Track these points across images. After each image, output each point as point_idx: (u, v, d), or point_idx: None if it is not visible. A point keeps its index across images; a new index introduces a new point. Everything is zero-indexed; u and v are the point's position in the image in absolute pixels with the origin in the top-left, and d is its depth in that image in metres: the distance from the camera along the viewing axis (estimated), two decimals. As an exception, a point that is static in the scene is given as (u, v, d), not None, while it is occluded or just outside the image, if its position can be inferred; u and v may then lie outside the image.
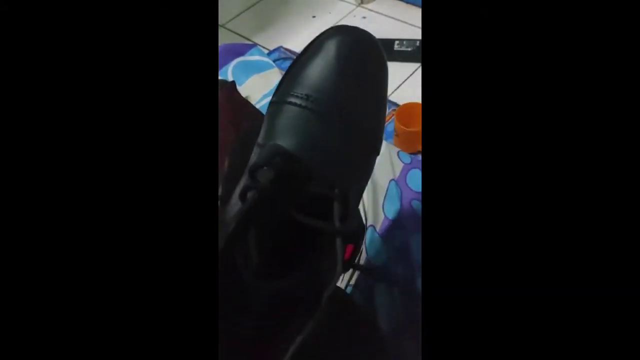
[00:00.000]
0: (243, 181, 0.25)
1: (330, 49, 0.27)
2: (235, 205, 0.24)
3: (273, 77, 0.60)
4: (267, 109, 0.29)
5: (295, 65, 0.28)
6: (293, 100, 0.27)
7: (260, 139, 0.28)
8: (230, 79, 0.59)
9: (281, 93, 0.28)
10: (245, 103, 0.52)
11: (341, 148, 0.26)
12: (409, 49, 0.68)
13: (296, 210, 0.23)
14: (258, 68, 0.61)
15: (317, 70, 0.27)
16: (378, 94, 0.29)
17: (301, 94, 0.27)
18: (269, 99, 0.56)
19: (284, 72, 0.64)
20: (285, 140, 0.25)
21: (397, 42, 0.69)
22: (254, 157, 0.27)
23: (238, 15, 0.91)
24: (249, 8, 0.92)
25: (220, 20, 0.91)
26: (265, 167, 0.23)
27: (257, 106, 0.55)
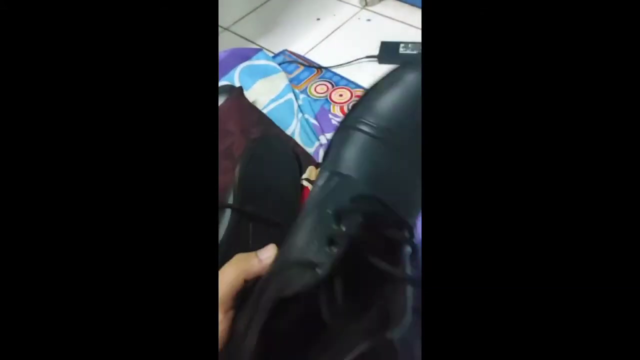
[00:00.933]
0: (325, 222, 0.24)
1: (410, 80, 0.26)
2: (311, 245, 0.23)
3: (279, 81, 0.60)
4: (336, 132, 0.28)
5: (372, 92, 0.28)
6: (364, 128, 0.26)
7: (327, 164, 0.27)
8: (237, 83, 0.59)
9: (353, 118, 0.27)
10: (253, 109, 0.52)
11: (409, 182, 0.25)
12: (415, 52, 0.68)
13: (373, 253, 0.23)
14: (264, 72, 0.61)
15: (391, 100, 0.26)
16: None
17: (373, 122, 0.26)
18: (276, 103, 0.57)
19: (290, 75, 0.63)
20: (358, 173, 0.25)
21: (402, 45, 0.69)
22: (323, 185, 0.26)
23: (242, 18, 0.91)
24: (253, 11, 0.92)
25: (224, 23, 0.91)
26: (351, 211, 0.23)
27: (265, 111, 0.55)
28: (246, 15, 0.91)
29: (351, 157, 0.26)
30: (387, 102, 0.26)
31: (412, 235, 0.24)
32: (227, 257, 0.35)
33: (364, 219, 0.22)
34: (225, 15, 0.91)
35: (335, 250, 0.22)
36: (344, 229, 0.22)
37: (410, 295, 0.21)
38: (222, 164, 0.43)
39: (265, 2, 0.93)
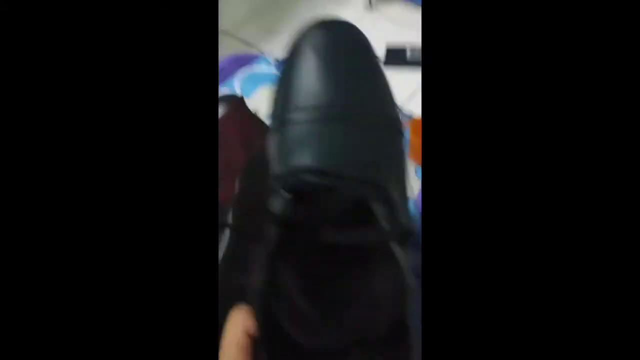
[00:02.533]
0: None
1: (309, 51, 0.24)
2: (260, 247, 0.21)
3: (282, 88, 0.58)
4: (269, 139, 0.26)
5: (280, 81, 0.26)
6: (293, 117, 0.24)
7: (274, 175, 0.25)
8: (238, 91, 0.57)
9: (277, 115, 0.25)
10: (254, 119, 0.50)
11: (363, 144, 0.23)
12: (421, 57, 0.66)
13: (333, 230, 0.19)
14: (266, 79, 0.59)
15: (305, 77, 0.24)
16: (378, 78, 0.26)
17: (302, 105, 0.24)
18: (278, 111, 0.55)
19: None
20: (298, 161, 0.22)
21: (409, 49, 0.67)
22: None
23: (243, 21, 0.89)
24: (253, 15, 0.90)
25: (226, 27, 0.89)
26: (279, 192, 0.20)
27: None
28: (247, 19, 0.90)
29: (289, 152, 0.23)
30: (301, 81, 0.24)
31: (382, 189, 0.20)
32: (226, 280, 0.34)
33: (294, 195, 0.19)
34: (226, 18, 0.89)
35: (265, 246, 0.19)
36: (271, 215, 0.19)
37: (401, 254, 0.18)
38: (222, 179, 0.41)
39: (267, 6, 0.91)
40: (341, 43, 0.25)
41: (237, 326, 0.22)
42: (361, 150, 0.23)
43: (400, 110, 0.27)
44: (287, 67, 0.25)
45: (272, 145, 0.25)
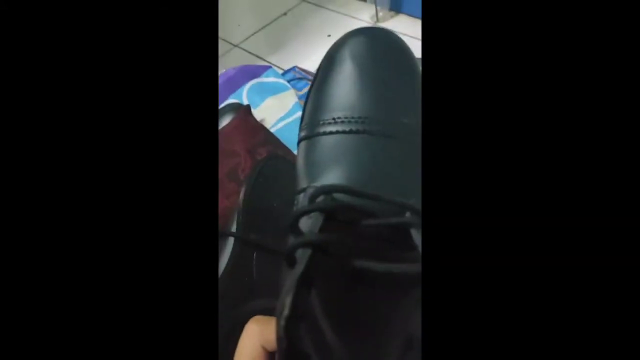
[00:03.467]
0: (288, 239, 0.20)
1: (346, 58, 0.22)
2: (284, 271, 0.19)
3: (289, 99, 0.58)
4: (297, 149, 0.24)
5: (314, 89, 0.23)
6: (327, 129, 0.21)
7: (298, 186, 0.23)
8: (245, 101, 0.57)
9: (309, 125, 0.23)
10: (260, 128, 0.50)
11: (403, 163, 0.20)
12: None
13: (366, 255, 0.17)
14: (273, 90, 0.60)
15: (342, 86, 0.22)
16: (413, 86, 0.23)
17: (334, 118, 0.21)
18: (285, 121, 0.55)
19: (299, 92, 0.62)
20: (331, 177, 0.20)
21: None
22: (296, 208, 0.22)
23: (252, 34, 0.90)
24: (263, 27, 0.92)
25: (235, 40, 0.90)
26: (309, 214, 0.18)
27: (273, 130, 0.53)
28: (257, 32, 0.91)
29: (322, 165, 0.21)
30: (337, 90, 0.22)
31: (420, 214, 0.18)
32: (229, 290, 0.33)
33: (327, 217, 0.17)
34: (236, 32, 0.91)
35: (295, 270, 0.16)
36: (302, 237, 0.17)
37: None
38: (227, 186, 0.41)
39: (275, 19, 0.93)
40: (382, 51, 0.22)
41: (254, 338, 0.20)
42: (401, 169, 0.20)
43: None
44: (323, 74, 0.23)
45: (300, 155, 0.23)
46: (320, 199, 0.18)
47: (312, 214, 0.18)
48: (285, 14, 0.93)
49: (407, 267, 0.16)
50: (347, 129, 0.21)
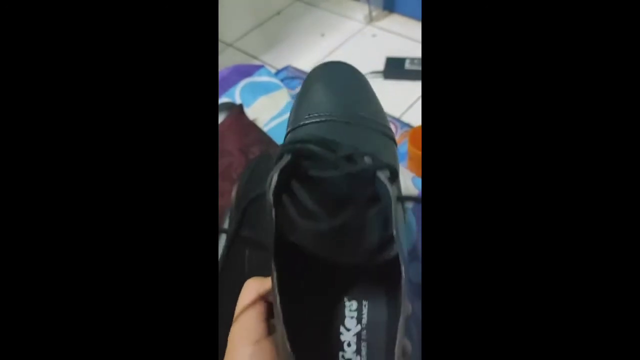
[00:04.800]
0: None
1: (317, 80, 0.31)
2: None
3: (281, 98, 0.58)
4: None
5: (295, 103, 0.31)
6: (307, 121, 0.28)
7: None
8: (238, 101, 0.58)
9: (292, 124, 0.29)
10: (253, 127, 0.50)
11: (363, 141, 0.27)
12: (421, 68, 0.67)
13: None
14: (266, 89, 0.60)
15: (315, 96, 0.30)
16: (372, 96, 0.32)
17: (309, 114, 0.28)
18: (277, 120, 0.55)
19: (292, 92, 0.62)
20: (303, 135, 0.25)
21: (408, 60, 0.67)
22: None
23: (246, 34, 0.91)
24: (257, 27, 0.92)
25: (229, 39, 0.90)
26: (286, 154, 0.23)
27: (266, 128, 0.53)
28: (250, 31, 0.91)
29: (300, 138, 0.26)
30: (315, 99, 0.29)
31: (386, 165, 0.23)
32: (221, 286, 0.33)
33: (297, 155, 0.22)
34: (230, 31, 0.91)
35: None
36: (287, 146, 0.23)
37: (387, 182, 0.21)
38: (220, 185, 0.42)
39: (269, 18, 0.93)
40: (342, 75, 0.32)
41: (253, 290, 0.24)
42: (362, 143, 0.27)
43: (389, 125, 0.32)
44: (302, 93, 0.31)
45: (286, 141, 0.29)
46: (297, 145, 0.24)
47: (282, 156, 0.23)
48: (278, 13, 0.93)
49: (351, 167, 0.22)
50: (317, 120, 0.28)
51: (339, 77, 0.32)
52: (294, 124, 0.30)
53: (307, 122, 0.28)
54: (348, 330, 0.24)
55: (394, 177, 0.24)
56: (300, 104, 0.31)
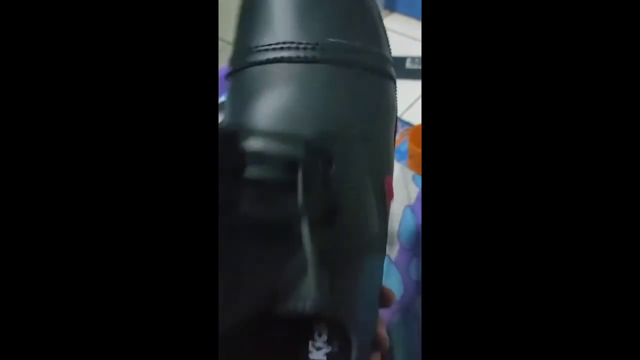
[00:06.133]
0: None
1: None
2: None
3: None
4: (228, 88, 0.20)
5: (246, 10, 0.19)
6: (255, 58, 0.18)
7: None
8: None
9: (240, 54, 0.19)
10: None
11: (335, 94, 0.18)
12: (421, 67, 0.67)
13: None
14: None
15: (279, 4, 0.18)
16: (369, 11, 0.20)
17: (265, 44, 0.18)
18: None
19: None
20: (247, 118, 0.17)
21: (409, 59, 0.67)
22: None
23: (247, 32, 0.90)
24: (257, 25, 0.92)
25: (229, 38, 0.90)
26: None
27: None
28: (251, 30, 0.91)
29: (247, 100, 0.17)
30: (276, 9, 0.18)
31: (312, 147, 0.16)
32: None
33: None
34: (229, 29, 0.91)
35: None
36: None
37: (305, 232, 0.15)
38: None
39: (270, 17, 0.93)
40: None
41: None
42: (330, 102, 0.17)
43: (389, 57, 0.21)
44: None
45: (228, 96, 0.20)
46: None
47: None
48: (279, 12, 0.93)
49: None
50: (276, 56, 0.17)
51: None
52: (242, 55, 0.19)
53: (255, 59, 0.18)
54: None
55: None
56: (249, 15, 0.20)
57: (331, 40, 0.18)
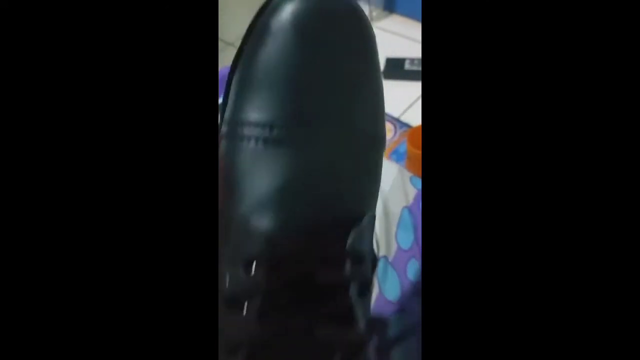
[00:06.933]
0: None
1: (279, 30, 0.17)
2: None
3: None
4: (222, 145, 0.20)
5: (239, 68, 0.19)
6: (251, 132, 0.18)
7: (230, 202, 0.20)
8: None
9: (231, 120, 0.19)
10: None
11: (335, 175, 0.17)
12: (421, 68, 0.67)
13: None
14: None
15: (270, 72, 0.18)
16: (367, 72, 0.19)
17: (260, 121, 0.17)
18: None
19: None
20: (263, 212, 0.17)
21: (408, 60, 0.67)
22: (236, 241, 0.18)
23: (246, 33, 0.90)
24: (257, 26, 0.92)
25: (229, 38, 0.90)
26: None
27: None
28: (251, 30, 0.91)
29: (251, 190, 0.17)
30: (265, 79, 0.18)
31: (352, 244, 0.16)
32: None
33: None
34: (229, 30, 0.91)
35: None
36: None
37: (358, 304, 0.15)
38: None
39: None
40: (319, 24, 0.17)
41: None
42: (331, 183, 0.17)
43: (384, 121, 0.20)
44: (246, 52, 0.19)
45: (225, 167, 0.19)
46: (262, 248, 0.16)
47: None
48: (279, 13, 0.93)
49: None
50: (272, 136, 0.17)
51: (309, 30, 0.17)
52: (232, 123, 0.19)
53: (247, 132, 0.18)
54: None
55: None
56: (244, 75, 0.19)
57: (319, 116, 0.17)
